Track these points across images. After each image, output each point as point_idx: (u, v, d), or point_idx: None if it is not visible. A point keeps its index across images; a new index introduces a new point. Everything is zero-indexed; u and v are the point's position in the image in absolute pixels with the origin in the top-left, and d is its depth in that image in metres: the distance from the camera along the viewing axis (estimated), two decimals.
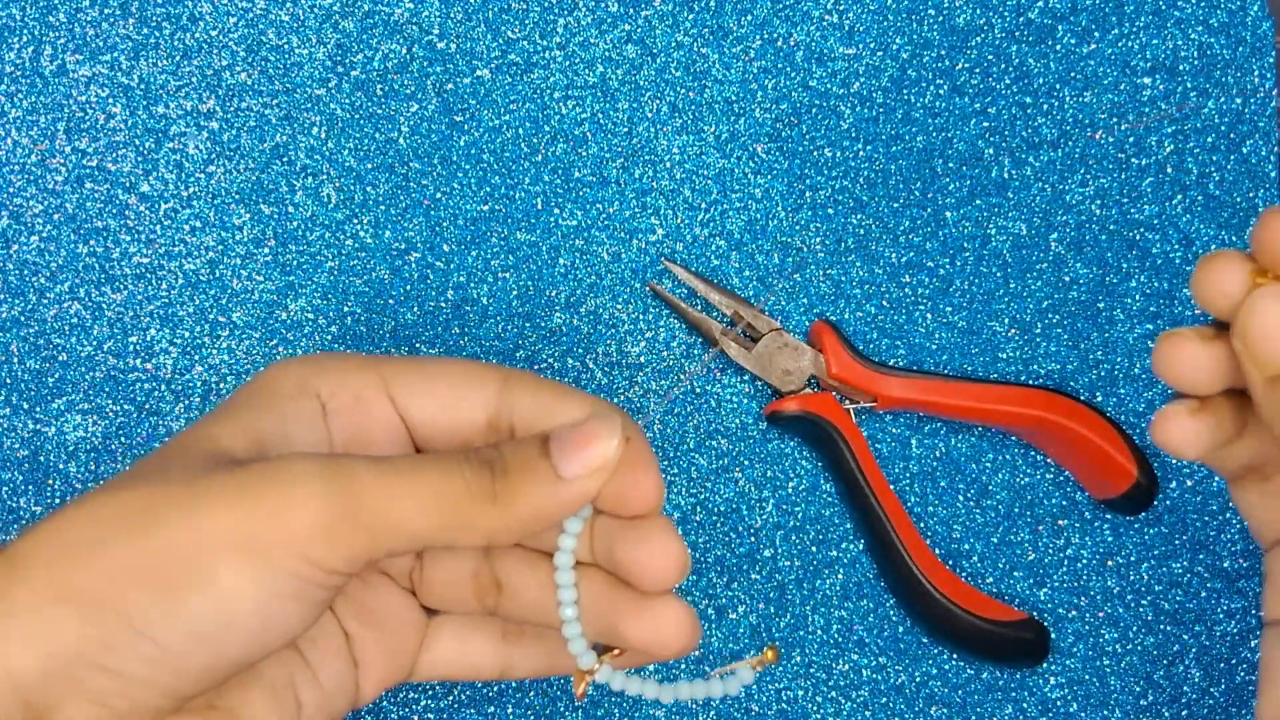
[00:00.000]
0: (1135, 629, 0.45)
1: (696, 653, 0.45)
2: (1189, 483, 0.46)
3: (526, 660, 0.35)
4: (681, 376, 0.45)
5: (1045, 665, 0.45)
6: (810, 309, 0.46)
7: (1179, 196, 0.47)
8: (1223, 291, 0.28)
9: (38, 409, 0.44)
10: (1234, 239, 0.47)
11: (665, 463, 0.45)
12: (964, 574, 0.45)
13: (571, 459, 0.29)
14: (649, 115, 0.46)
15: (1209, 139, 0.47)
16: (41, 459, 0.44)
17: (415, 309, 0.45)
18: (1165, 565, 0.46)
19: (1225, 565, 0.46)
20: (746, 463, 0.45)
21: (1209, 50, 0.47)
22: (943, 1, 0.47)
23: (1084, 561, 0.46)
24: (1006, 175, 0.47)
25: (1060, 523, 0.46)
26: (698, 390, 0.46)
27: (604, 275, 0.46)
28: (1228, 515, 0.46)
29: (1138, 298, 0.47)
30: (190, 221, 0.45)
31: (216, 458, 0.29)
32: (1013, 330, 0.46)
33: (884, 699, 0.45)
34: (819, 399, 0.44)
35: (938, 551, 0.45)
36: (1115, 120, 0.47)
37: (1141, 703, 0.45)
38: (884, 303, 0.46)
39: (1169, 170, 0.47)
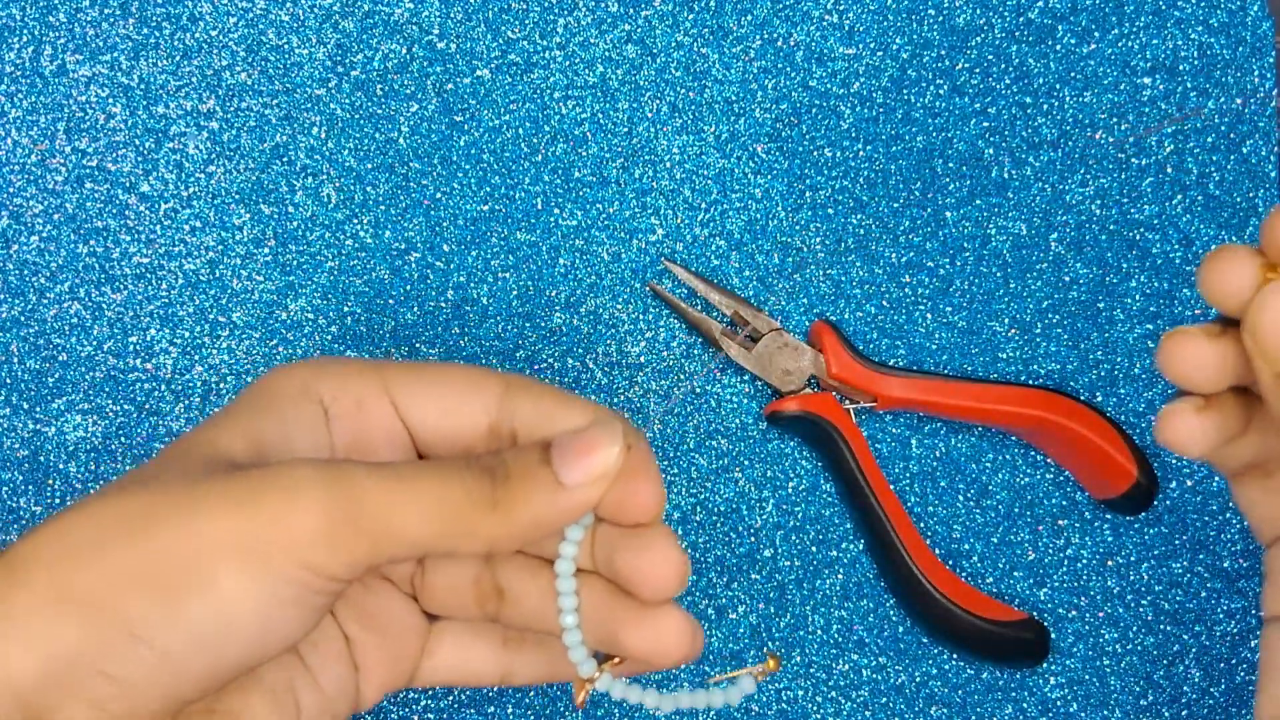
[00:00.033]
0: (1135, 629, 0.45)
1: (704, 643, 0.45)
2: (1189, 483, 0.46)
3: (527, 667, 0.35)
4: (685, 381, 0.45)
5: (1045, 665, 0.45)
6: (810, 309, 0.46)
7: (1179, 196, 0.47)
8: (1231, 287, 0.27)
9: (38, 409, 0.44)
10: (1234, 239, 0.47)
11: (665, 463, 0.45)
12: (964, 574, 0.45)
13: (573, 466, 0.29)
14: (649, 115, 0.46)
15: (1209, 139, 0.47)
16: (41, 459, 0.44)
17: (415, 309, 0.45)
18: (1165, 565, 0.46)
19: (1225, 565, 0.46)
20: (746, 463, 0.45)
21: (1209, 50, 0.47)
22: (943, 1, 0.47)
23: (1084, 561, 0.46)
24: (1006, 175, 0.47)
25: (1060, 523, 0.46)
26: (698, 390, 0.46)
27: (604, 275, 0.46)
28: (1228, 515, 0.46)
29: (1138, 298, 0.47)
30: (190, 221, 0.45)
31: (217, 462, 0.29)
32: (1013, 330, 0.46)
33: (884, 699, 0.45)
34: (819, 399, 0.44)
35: (938, 551, 0.45)
36: (1117, 121, 0.47)
37: (1141, 703, 0.45)
38: (884, 303, 0.46)
39: (1169, 170, 0.47)
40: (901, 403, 0.44)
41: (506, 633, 0.35)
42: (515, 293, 0.46)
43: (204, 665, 0.27)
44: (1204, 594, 0.46)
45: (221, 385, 0.45)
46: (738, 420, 0.46)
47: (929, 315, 0.46)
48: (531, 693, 0.44)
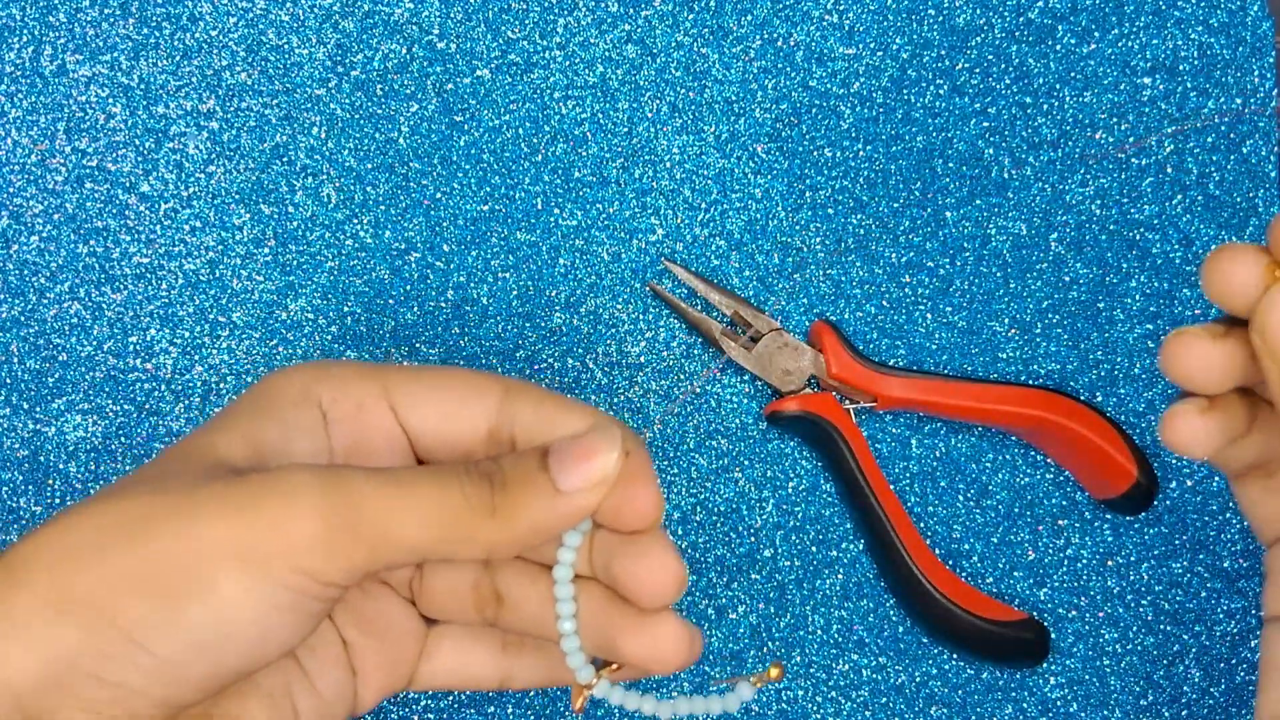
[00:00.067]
0: (1135, 629, 0.45)
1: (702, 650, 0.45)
2: (1189, 483, 0.46)
3: (526, 671, 0.35)
4: (686, 382, 0.45)
5: (1045, 665, 0.45)
6: (810, 309, 0.46)
7: (1179, 196, 0.47)
8: (1236, 286, 0.27)
9: (38, 409, 0.44)
10: (1234, 239, 0.47)
11: (665, 463, 0.45)
12: (964, 574, 0.45)
13: (571, 472, 0.29)
14: (649, 115, 0.46)
15: (1209, 139, 0.47)
16: (41, 459, 0.44)
17: (415, 309, 0.45)
18: (1165, 565, 0.46)
19: (1225, 565, 0.46)
20: (746, 463, 0.45)
21: (1209, 50, 0.47)
22: (943, 1, 0.47)
23: (1084, 561, 0.46)
24: (1006, 175, 0.47)
25: (1060, 523, 0.46)
26: (698, 390, 0.46)
27: (604, 275, 0.46)
28: (1228, 515, 0.46)
29: (1138, 298, 0.47)
30: (190, 221, 0.45)
31: (217, 466, 0.29)
32: (1013, 330, 0.46)
33: (884, 699, 0.45)
34: (819, 399, 0.44)
35: (938, 551, 0.45)
36: (1117, 121, 0.47)
37: (1141, 703, 0.45)
38: (884, 303, 0.46)
39: (1169, 170, 0.47)
40: (901, 403, 0.44)
41: (505, 637, 0.35)
42: (515, 293, 0.46)
43: (201, 670, 0.27)
44: (1204, 594, 0.46)
45: (221, 385, 0.45)
46: (738, 420, 0.46)
47: (929, 315, 0.46)
48: (532, 693, 0.44)
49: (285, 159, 0.46)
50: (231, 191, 0.45)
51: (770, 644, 0.45)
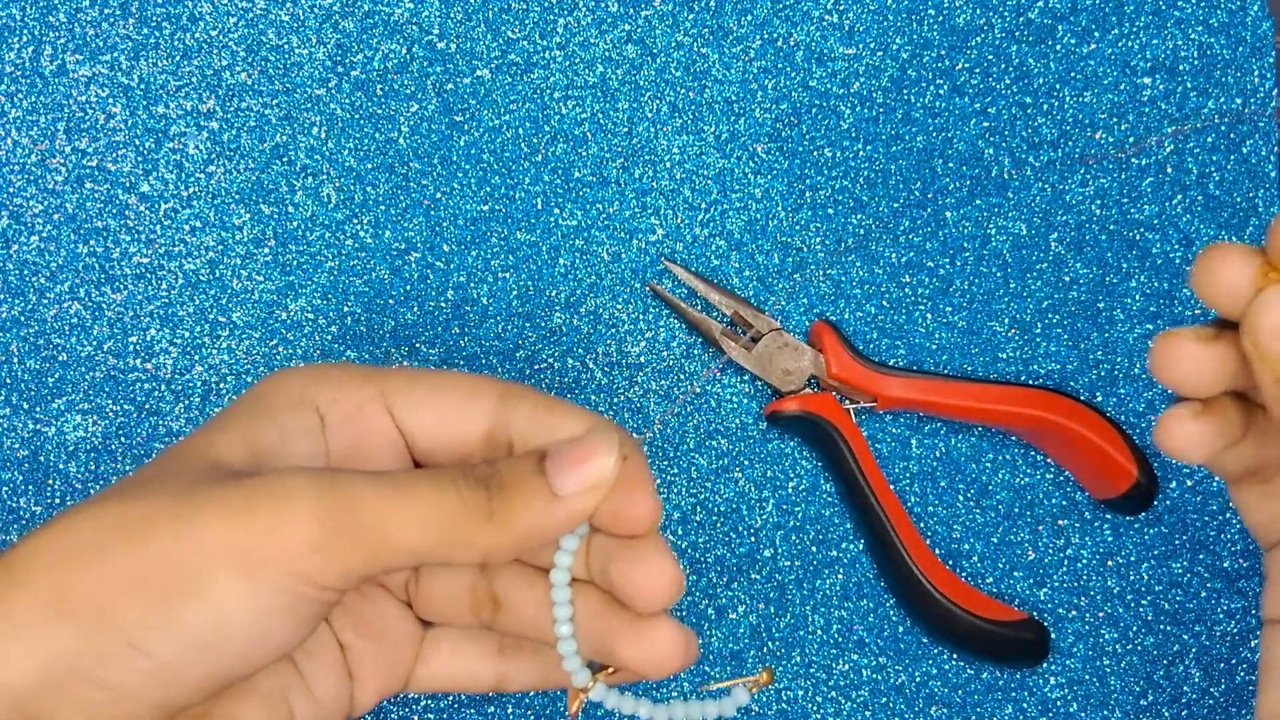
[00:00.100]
0: (1135, 629, 0.45)
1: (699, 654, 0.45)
2: (1189, 483, 0.46)
3: (522, 674, 0.35)
4: (686, 382, 0.45)
5: (1045, 665, 0.45)
6: (810, 309, 0.46)
7: (1179, 196, 0.47)
8: (1227, 286, 0.26)
9: (38, 409, 0.44)
10: (1234, 239, 0.47)
11: (665, 463, 0.45)
12: (964, 574, 0.45)
13: (568, 476, 0.29)
14: (649, 115, 0.46)
15: (1209, 139, 0.47)
16: (41, 459, 0.44)
17: (415, 309, 0.45)
18: (1165, 565, 0.46)
19: (1225, 565, 0.46)
20: (746, 463, 0.45)
21: (1209, 50, 0.47)
22: (943, 1, 0.47)
23: (1084, 561, 0.46)
24: (1006, 175, 0.47)
25: (1060, 523, 0.46)
26: (698, 390, 0.46)
27: (604, 275, 0.46)
28: (1228, 515, 0.46)
29: (1138, 298, 0.47)
30: (190, 221, 0.45)
31: (216, 468, 0.29)
32: (1013, 330, 0.46)
33: (884, 699, 0.45)
34: (819, 399, 0.44)
35: (938, 551, 0.45)
36: (1117, 121, 0.47)
37: (1141, 703, 0.45)
38: (884, 303, 0.46)
39: (1169, 170, 0.47)
40: (901, 403, 0.44)
41: (501, 640, 0.35)
42: (515, 293, 0.46)
43: (198, 673, 0.27)
44: (1204, 594, 0.46)
45: (221, 385, 0.45)
46: (738, 420, 0.46)
47: (929, 315, 0.46)
48: (532, 694, 0.44)
49: (285, 159, 0.46)
50: (231, 191, 0.45)
51: (770, 644, 0.45)
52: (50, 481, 0.44)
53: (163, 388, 0.45)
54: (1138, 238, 0.47)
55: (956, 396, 0.44)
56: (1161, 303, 0.46)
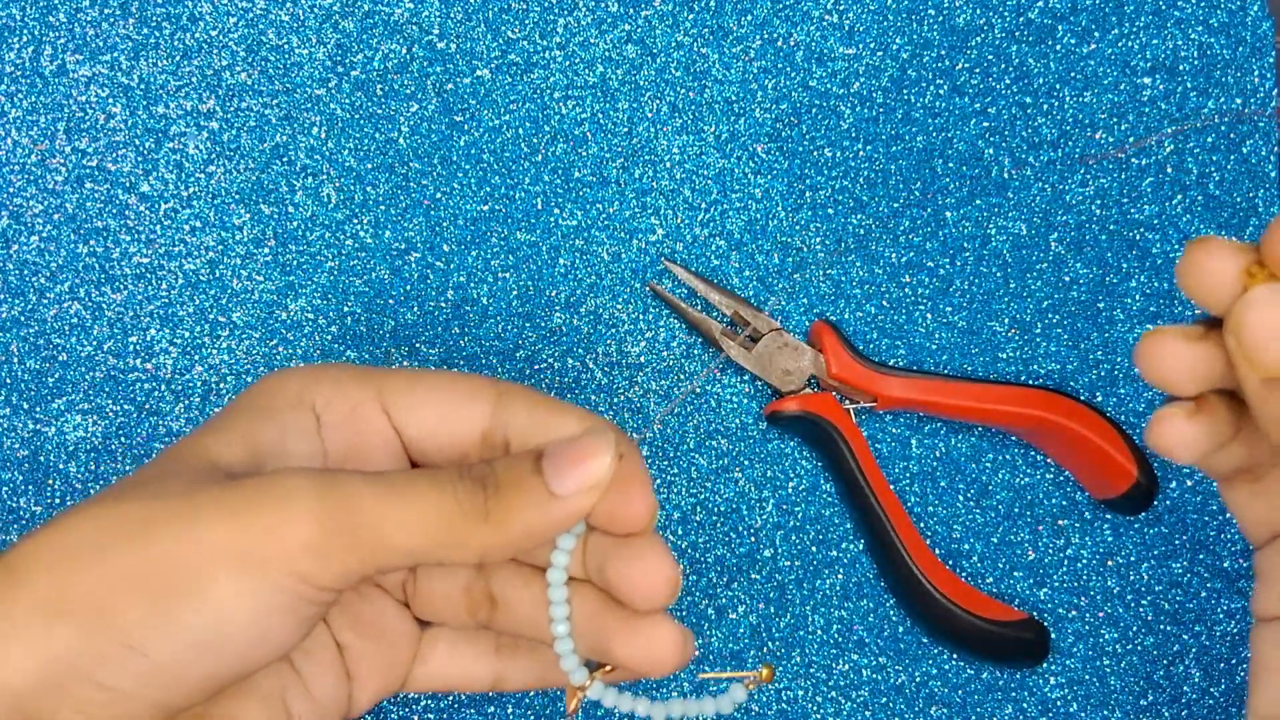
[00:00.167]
0: (1135, 629, 0.45)
1: (696, 653, 0.45)
2: (1189, 483, 0.46)
3: (519, 673, 0.35)
4: (686, 382, 0.45)
5: (1045, 665, 0.45)
6: (810, 309, 0.46)
7: (1179, 196, 0.47)
8: (1211, 283, 0.26)
9: (38, 409, 0.44)
10: (1233, 239, 0.47)
11: (665, 463, 0.45)
12: (964, 574, 0.45)
13: (564, 476, 0.29)
14: (649, 115, 0.46)
15: (1209, 139, 0.47)
16: (41, 459, 0.44)
17: (415, 309, 0.45)
18: (1165, 565, 0.46)
19: (1225, 565, 0.46)
20: (746, 463, 0.45)
21: (1209, 50, 0.47)
22: (943, 1, 0.47)
23: (1084, 561, 0.46)
24: (1006, 175, 0.47)
25: (1060, 523, 0.46)
26: (698, 390, 0.46)
27: (604, 275, 0.46)
28: (1228, 515, 0.46)
29: (1138, 298, 0.47)
30: (190, 221, 0.45)
31: (214, 469, 0.29)
32: (1013, 330, 0.46)
33: (884, 699, 0.45)
34: (819, 399, 0.44)
35: (938, 551, 0.45)
36: (1116, 121, 0.47)
37: (1141, 703, 0.45)
38: (884, 303, 0.46)
39: (1169, 170, 0.47)
40: (901, 403, 0.44)
41: (499, 639, 0.35)
42: (515, 293, 0.46)
43: (197, 673, 0.27)
44: (1204, 594, 0.46)
45: (221, 385, 0.45)
46: (738, 420, 0.46)
47: (929, 315, 0.46)
48: (531, 693, 0.44)
49: (285, 159, 0.46)
50: (231, 191, 0.45)
51: (770, 644, 0.45)
52: (50, 481, 0.44)
53: (163, 388, 0.45)
54: (1138, 238, 0.47)
55: (956, 396, 0.44)
56: (1161, 303, 0.46)
